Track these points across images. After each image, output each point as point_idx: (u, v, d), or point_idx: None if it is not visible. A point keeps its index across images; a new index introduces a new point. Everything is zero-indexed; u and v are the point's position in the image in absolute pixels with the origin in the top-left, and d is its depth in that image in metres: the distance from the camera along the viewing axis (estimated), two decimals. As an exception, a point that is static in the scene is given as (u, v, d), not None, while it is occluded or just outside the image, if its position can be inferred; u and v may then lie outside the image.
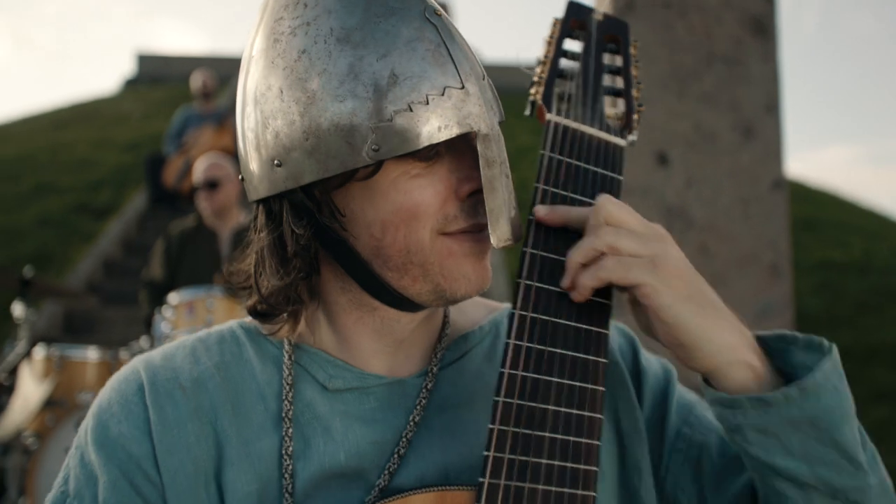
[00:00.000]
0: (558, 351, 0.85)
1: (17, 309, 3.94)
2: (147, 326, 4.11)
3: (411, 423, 0.94)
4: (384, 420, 0.94)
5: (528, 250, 0.89)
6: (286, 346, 0.97)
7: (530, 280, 0.87)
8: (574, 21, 1.11)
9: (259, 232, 0.92)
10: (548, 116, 0.99)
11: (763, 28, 3.60)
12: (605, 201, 0.87)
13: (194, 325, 3.59)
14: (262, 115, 0.88)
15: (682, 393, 1.07)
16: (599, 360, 0.86)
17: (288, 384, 0.94)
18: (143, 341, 3.98)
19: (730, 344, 0.85)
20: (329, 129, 0.83)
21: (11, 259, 7.66)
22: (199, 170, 4.38)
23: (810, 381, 0.83)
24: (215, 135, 8.46)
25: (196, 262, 4.33)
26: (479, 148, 0.85)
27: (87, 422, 0.94)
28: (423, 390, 0.96)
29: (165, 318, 3.70)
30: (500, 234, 0.86)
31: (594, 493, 0.82)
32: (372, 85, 0.82)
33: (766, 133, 3.57)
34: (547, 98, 1.02)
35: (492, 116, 0.87)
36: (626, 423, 1.02)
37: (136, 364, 0.96)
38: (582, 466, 0.83)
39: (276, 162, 0.87)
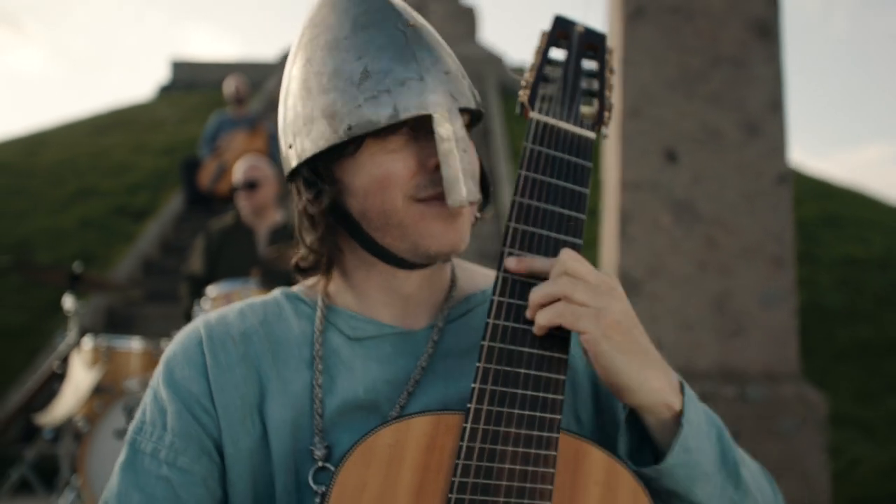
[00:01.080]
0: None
1: (68, 302, 4.21)
2: (187, 318, 4.37)
3: (419, 368, 1.14)
4: (396, 363, 1.15)
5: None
6: (320, 304, 1.19)
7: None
8: (560, 32, 1.29)
9: (297, 198, 1.16)
10: (531, 114, 1.18)
11: (767, 31, 3.77)
12: (567, 255, 1.04)
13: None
14: (284, 108, 1.15)
15: None
16: None
17: (319, 331, 1.16)
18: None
19: (655, 388, 1.03)
20: (319, 116, 1.08)
21: (56, 259, 7.99)
22: (239, 171, 4.63)
23: (664, 465, 1.03)
24: (248, 139, 8.74)
25: (234, 257, 4.58)
26: (434, 127, 1.06)
27: (159, 368, 1.16)
28: (431, 341, 1.17)
29: (204, 310, 3.95)
30: (453, 197, 1.06)
31: (559, 416, 1.03)
32: (349, 79, 1.07)
33: (771, 130, 3.74)
34: (532, 99, 1.21)
35: (450, 102, 1.07)
36: (602, 385, 1.22)
37: (197, 323, 1.19)
38: (550, 395, 1.03)
39: (289, 145, 1.13)
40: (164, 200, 9.74)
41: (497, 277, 1.07)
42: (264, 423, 1.12)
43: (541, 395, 1.03)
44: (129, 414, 3.91)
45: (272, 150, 8.64)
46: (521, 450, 1.00)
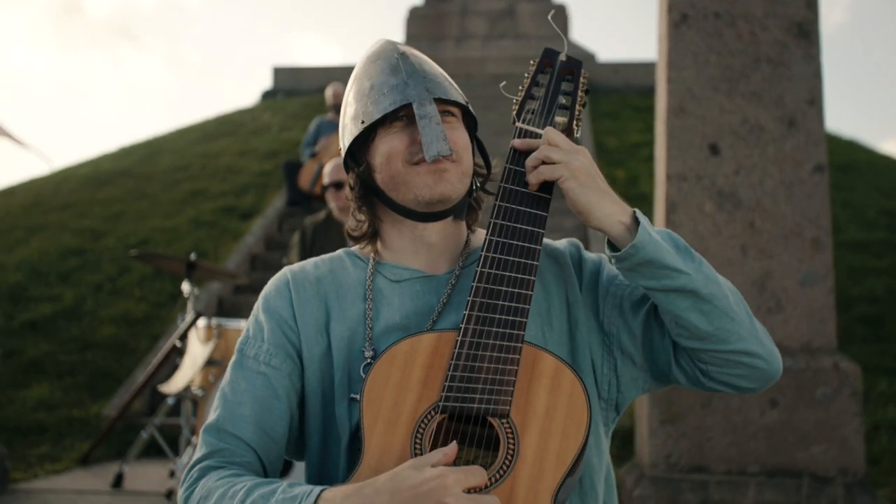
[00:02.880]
0: (511, 258, 1.50)
1: (186, 286, 4.87)
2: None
3: (441, 303, 1.59)
4: (424, 299, 1.60)
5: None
6: (371, 260, 1.66)
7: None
8: (546, 61, 1.68)
9: (348, 185, 1.66)
10: (517, 123, 1.61)
11: (806, 32, 4.06)
12: (549, 130, 1.50)
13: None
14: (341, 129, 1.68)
15: (610, 270, 1.68)
16: (536, 246, 1.49)
17: (370, 275, 1.63)
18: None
19: (611, 212, 1.45)
20: (349, 120, 1.60)
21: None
22: (327, 172, 5.20)
23: (637, 237, 1.41)
24: (344, 141, 9.35)
25: (326, 249, 5.00)
26: (414, 109, 1.53)
27: (259, 300, 1.65)
28: (450, 283, 1.61)
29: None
30: (429, 153, 1.49)
31: (523, 332, 1.43)
32: (363, 94, 1.58)
33: (809, 124, 4.03)
34: (519, 113, 1.63)
35: (426, 94, 1.52)
36: (571, 295, 1.63)
37: (285, 271, 1.68)
38: (518, 319, 1.44)
39: (339, 148, 1.65)
40: (268, 201, 10.46)
41: (485, 239, 1.52)
42: (329, 339, 1.60)
43: (510, 318, 1.46)
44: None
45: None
46: (495, 354, 1.44)
